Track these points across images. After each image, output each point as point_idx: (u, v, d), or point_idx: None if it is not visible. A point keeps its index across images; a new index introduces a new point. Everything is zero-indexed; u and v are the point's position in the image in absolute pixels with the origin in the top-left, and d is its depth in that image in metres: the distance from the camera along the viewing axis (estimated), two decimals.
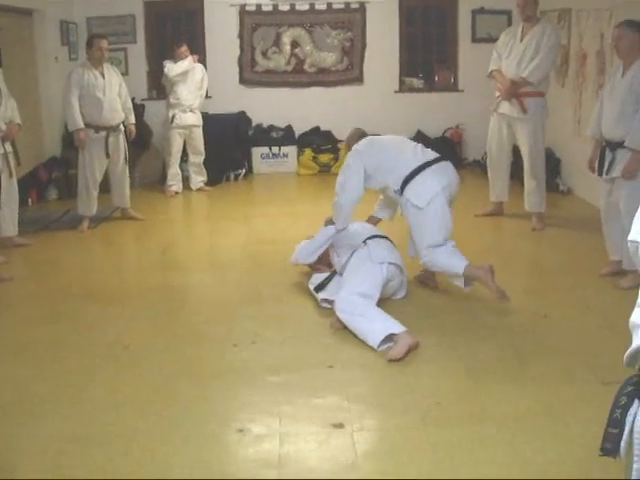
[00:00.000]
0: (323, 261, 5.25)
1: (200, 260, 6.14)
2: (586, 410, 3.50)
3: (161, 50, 9.47)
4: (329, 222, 5.32)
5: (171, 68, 8.27)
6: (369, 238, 4.91)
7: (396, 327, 4.22)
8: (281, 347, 4.30)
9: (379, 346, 4.16)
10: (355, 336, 4.32)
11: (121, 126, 7.14)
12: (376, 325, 4.25)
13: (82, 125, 6.81)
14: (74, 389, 3.77)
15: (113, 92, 7.03)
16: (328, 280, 4.90)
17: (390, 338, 4.17)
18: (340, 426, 3.35)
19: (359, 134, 5.28)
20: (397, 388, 3.78)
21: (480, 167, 9.36)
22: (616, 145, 5.08)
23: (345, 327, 4.41)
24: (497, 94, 6.83)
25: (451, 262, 4.72)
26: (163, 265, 5.93)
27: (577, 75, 7.95)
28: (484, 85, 9.29)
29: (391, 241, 5.06)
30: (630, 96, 4.96)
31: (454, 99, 10.00)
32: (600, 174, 5.26)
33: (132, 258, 6.49)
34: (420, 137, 9.76)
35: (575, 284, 5.35)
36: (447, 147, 9.50)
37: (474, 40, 9.90)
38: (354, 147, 5.08)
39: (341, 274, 4.85)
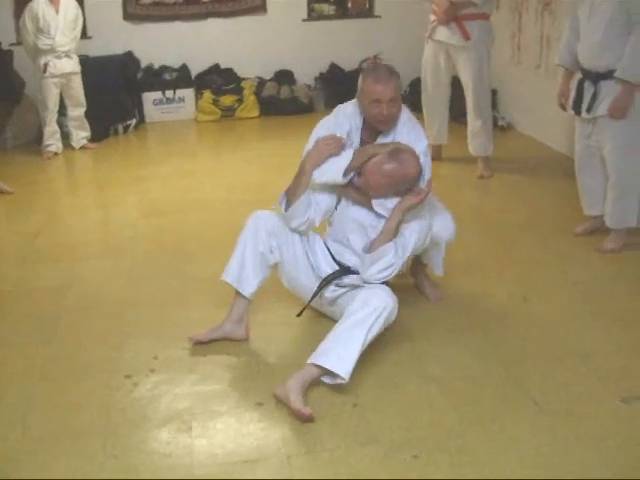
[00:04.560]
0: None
1: (83, 245, 4.86)
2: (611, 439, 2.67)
3: None
4: None
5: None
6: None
7: None
8: (190, 377, 3.19)
9: None
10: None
11: None
12: None
13: None
14: None
15: None
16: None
17: None
18: None
19: None
20: (352, 433, 2.76)
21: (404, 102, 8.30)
22: (600, 76, 4.06)
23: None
24: (432, 18, 5.70)
25: None
26: (35, 255, 4.66)
27: None
28: (404, 9, 8.37)
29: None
30: (619, 15, 3.93)
31: (370, 26, 8.87)
32: (578, 113, 4.24)
33: None
34: (334, 70, 8.73)
35: (548, 249, 4.41)
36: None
37: None
38: None
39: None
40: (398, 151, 3.25)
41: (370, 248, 3.24)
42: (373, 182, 3.25)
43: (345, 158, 3.31)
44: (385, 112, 3.30)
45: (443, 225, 3.55)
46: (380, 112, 3.31)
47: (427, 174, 3.35)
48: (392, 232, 3.21)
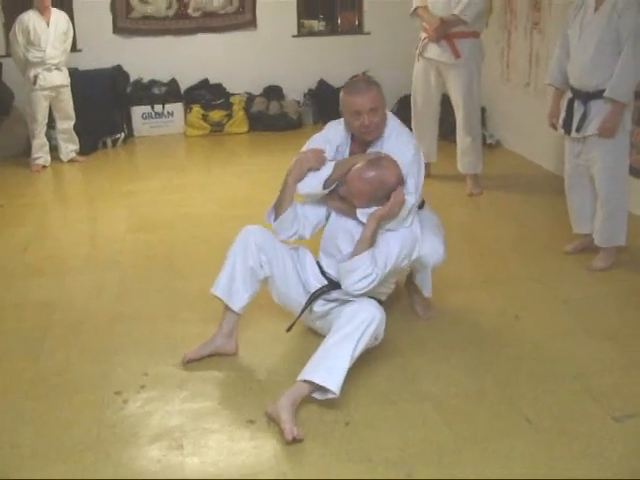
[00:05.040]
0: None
1: (72, 259, 4.82)
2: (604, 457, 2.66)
3: None
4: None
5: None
6: None
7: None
8: (180, 393, 3.16)
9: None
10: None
11: None
12: None
13: None
14: None
15: None
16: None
17: None
18: None
19: None
20: (345, 451, 2.74)
21: None
22: (590, 96, 4.08)
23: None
24: (423, 36, 5.73)
25: None
26: (24, 268, 4.63)
27: (505, 11, 6.96)
28: (393, 26, 8.39)
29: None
30: (609, 35, 3.95)
31: (360, 43, 8.89)
32: (567, 132, 4.26)
33: None
34: (323, 86, 8.72)
35: (539, 267, 4.41)
36: None
37: None
38: None
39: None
40: (379, 158, 3.25)
41: (348, 258, 3.23)
42: (354, 189, 3.24)
43: (326, 170, 3.33)
44: (366, 122, 3.29)
45: (432, 249, 3.52)
46: (362, 123, 3.31)
47: (412, 183, 3.29)
48: (368, 241, 3.18)
